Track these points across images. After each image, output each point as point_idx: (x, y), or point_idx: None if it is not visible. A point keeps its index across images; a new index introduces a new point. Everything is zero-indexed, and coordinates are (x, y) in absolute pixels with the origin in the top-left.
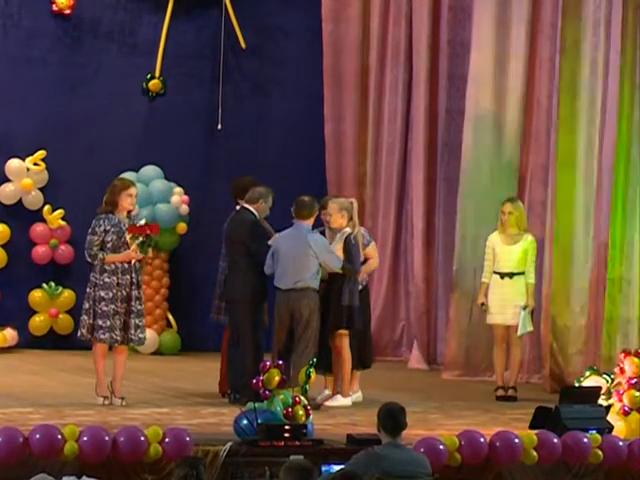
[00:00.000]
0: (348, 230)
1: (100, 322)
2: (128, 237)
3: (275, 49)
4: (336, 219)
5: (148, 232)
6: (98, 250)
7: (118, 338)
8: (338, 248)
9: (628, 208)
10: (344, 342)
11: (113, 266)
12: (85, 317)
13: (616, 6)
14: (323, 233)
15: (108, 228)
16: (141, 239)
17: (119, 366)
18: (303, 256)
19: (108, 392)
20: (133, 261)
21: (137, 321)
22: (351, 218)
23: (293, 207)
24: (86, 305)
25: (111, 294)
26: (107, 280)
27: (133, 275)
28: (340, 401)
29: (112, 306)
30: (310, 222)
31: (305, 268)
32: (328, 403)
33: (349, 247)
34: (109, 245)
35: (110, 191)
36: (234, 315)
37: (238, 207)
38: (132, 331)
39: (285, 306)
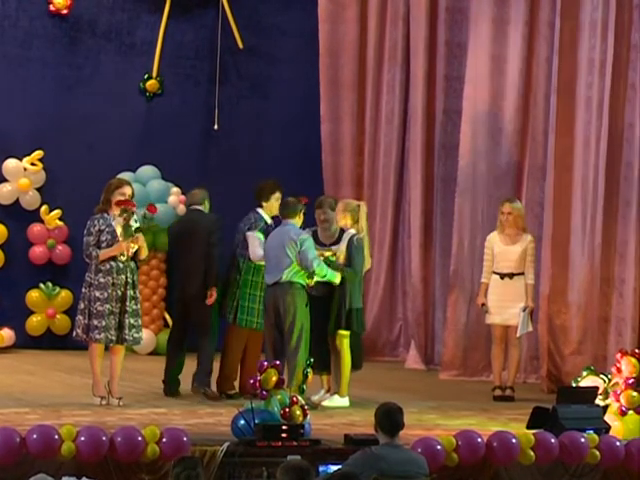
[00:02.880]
0: (352, 231)
1: (95, 322)
2: (116, 216)
3: (272, 49)
4: (339, 219)
5: (130, 206)
6: (93, 249)
7: (113, 338)
8: (343, 250)
9: (623, 208)
10: (344, 343)
11: (108, 266)
12: (80, 317)
13: (612, 7)
14: (315, 233)
15: (103, 228)
16: (123, 221)
17: (115, 366)
18: (284, 251)
19: (105, 392)
20: (125, 258)
21: (132, 321)
22: (357, 221)
23: (279, 208)
24: (81, 305)
25: (106, 294)
26: (102, 280)
27: (128, 275)
28: (338, 401)
29: (107, 306)
30: (296, 221)
31: (288, 263)
32: (325, 403)
33: (350, 249)
34: (104, 245)
35: (105, 190)
36: (198, 312)
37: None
38: (126, 331)
39: (271, 301)
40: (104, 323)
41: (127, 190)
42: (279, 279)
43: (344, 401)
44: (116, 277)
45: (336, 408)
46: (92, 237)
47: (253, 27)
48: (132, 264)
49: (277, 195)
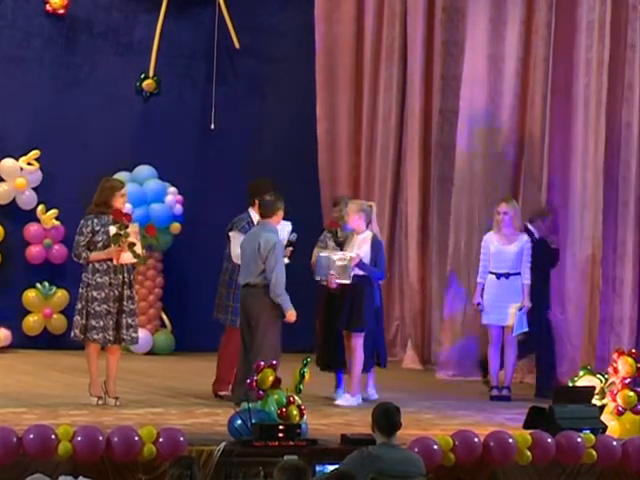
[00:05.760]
0: (369, 232)
1: (93, 322)
2: (111, 227)
3: (269, 49)
4: (353, 219)
5: (124, 219)
6: (83, 250)
7: (111, 338)
8: (364, 250)
9: (621, 208)
10: (359, 342)
11: (105, 266)
12: (78, 317)
13: (609, 7)
14: (335, 233)
15: (98, 228)
16: (115, 230)
17: (112, 366)
18: (253, 254)
19: (102, 392)
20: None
21: (129, 320)
22: (370, 221)
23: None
24: (79, 305)
25: (104, 294)
26: (99, 280)
27: (125, 275)
28: (349, 400)
29: (105, 306)
30: (273, 220)
31: (255, 265)
32: (338, 402)
33: (376, 250)
34: (100, 245)
35: (101, 192)
36: None
37: None
38: (124, 330)
39: (242, 302)
40: (102, 323)
41: (125, 191)
42: (248, 282)
43: (354, 400)
44: (113, 277)
45: (349, 407)
46: (83, 237)
47: (250, 27)
48: (129, 264)
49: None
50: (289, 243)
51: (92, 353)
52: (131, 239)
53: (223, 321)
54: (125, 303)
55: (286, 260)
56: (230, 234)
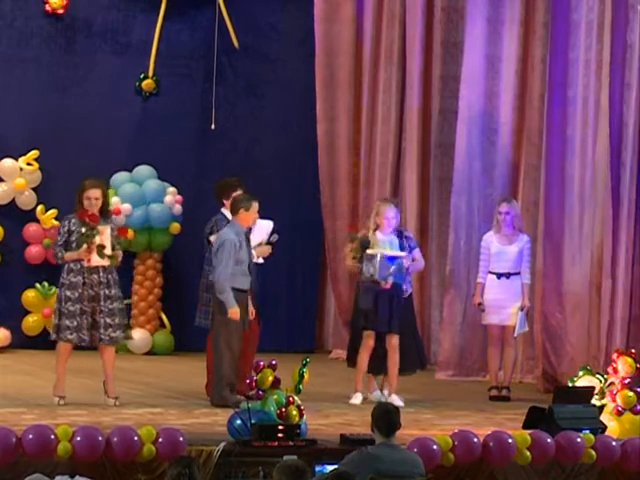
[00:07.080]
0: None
1: (67, 322)
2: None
3: (268, 49)
4: (396, 221)
5: (87, 220)
6: (60, 250)
7: (86, 337)
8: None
9: (620, 207)
10: (397, 342)
11: (79, 265)
12: (53, 317)
13: (608, 7)
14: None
15: (74, 228)
16: (83, 230)
17: (108, 366)
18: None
19: (65, 392)
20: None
21: (108, 320)
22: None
23: None
24: (55, 306)
25: (77, 293)
26: (73, 280)
27: (101, 274)
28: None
29: (78, 305)
30: (238, 218)
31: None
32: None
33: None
34: (74, 245)
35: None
36: None
37: None
38: (102, 330)
39: None
40: (75, 323)
41: (92, 193)
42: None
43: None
44: (87, 277)
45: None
46: (60, 237)
47: (249, 27)
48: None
49: (238, 192)
50: (269, 243)
51: (61, 352)
52: (99, 241)
53: (207, 325)
54: (103, 303)
55: (260, 260)
56: (211, 238)
